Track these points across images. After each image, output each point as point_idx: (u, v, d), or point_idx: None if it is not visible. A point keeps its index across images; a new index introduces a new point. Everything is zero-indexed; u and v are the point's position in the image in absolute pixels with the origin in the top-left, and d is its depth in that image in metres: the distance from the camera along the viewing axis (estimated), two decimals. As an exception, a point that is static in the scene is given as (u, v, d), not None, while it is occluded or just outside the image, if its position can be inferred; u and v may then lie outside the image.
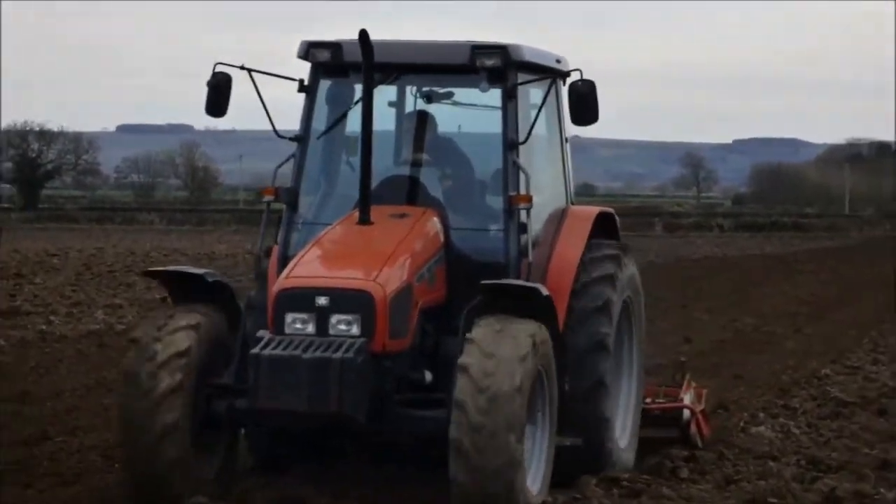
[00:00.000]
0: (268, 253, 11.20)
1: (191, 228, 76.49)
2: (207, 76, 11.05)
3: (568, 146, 12.08)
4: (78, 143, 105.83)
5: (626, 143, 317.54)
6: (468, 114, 11.45)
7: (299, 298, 9.98)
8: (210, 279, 10.56)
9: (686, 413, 12.92)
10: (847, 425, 14.53)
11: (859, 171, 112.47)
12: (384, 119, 11.36)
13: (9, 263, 37.48)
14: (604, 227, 11.90)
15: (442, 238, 10.86)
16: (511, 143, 10.90)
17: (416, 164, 11.31)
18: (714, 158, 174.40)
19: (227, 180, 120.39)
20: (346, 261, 10.41)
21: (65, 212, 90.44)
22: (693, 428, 12.94)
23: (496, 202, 11.07)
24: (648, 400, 12.86)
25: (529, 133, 10.99)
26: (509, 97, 10.94)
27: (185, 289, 10.63)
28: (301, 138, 11.27)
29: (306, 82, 11.31)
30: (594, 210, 11.87)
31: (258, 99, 11.08)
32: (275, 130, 11.17)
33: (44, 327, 22.52)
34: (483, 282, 10.22)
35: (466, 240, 11.00)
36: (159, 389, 10.00)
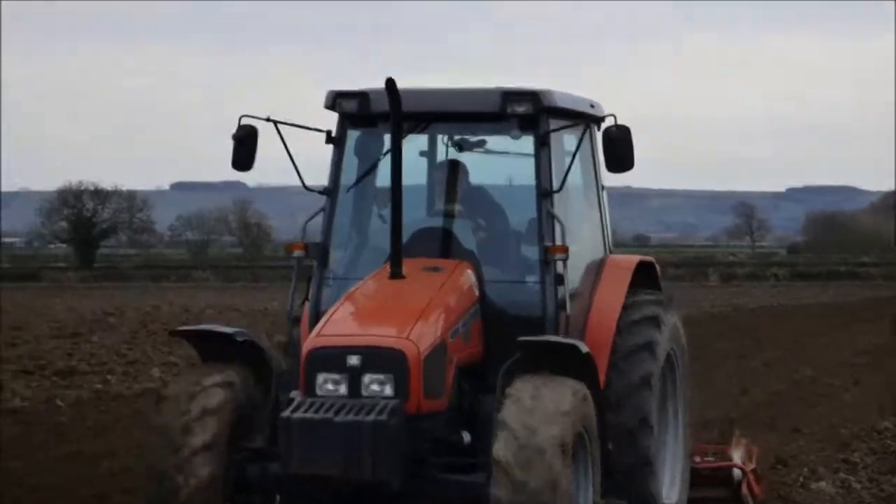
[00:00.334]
0: (299, 310, 10.87)
1: (245, 285, 76.86)
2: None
3: (605, 193, 11.75)
4: (132, 201, 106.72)
5: (676, 192, 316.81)
6: (502, 162, 11.13)
7: (330, 358, 9.63)
8: (240, 338, 10.25)
9: (737, 472, 12.55)
10: (908, 480, 14.34)
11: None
12: (416, 169, 11.08)
13: (66, 322, 37.71)
14: (645, 276, 11.52)
15: (477, 292, 10.54)
16: (545, 192, 10.60)
17: (448, 215, 11.00)
18: (767, 207, 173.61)
19: (280, 236, 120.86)
20: (377, 317, 10.07)
21: (120, 270, 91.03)
22: (745, 489, 12.56)
23: (531, 253, 10.71)
24: (697, 459, 12.49)
25: (564, 181, 10.67)
26: (542, 144, 10.65)
27: (214, 348, 10.31)
28: (330, 191, 11.01)
29: (334, 133, 11.04)
30: (634, 259, 11.53)
31: (285, 152, 10.77)
32: (303, 183, 10.89)
33: (100, 386, 22.64)
34: (520, 339, 9.86)
35: (502, 293, 10.66)
36: (192, 445, 9.68)
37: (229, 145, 10.86)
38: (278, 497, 10.38)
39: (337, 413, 9.41)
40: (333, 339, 9.74)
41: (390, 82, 10.02)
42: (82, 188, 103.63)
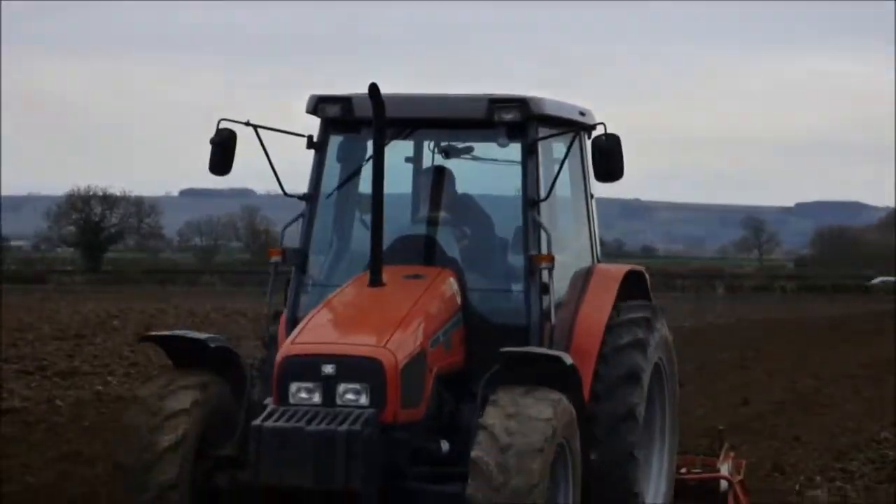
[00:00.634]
0: (276, 317, 10.65)
1: (252, 290, 76.76)
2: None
3: (594, 202, 11.49)
4: (140, 206, 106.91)
5: (685, 205, 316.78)
6: (488, 169, 10.88)
7: (304, 366, 9.38)
8: (213, 344, 9.98)
9: (723, 484, 12.36)
10: (904, 489, 14.32)
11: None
12: (402, 176, 10.88)
13: (69, 325, 37.74)
14: (634, 286, 11.23)
15: (459, 300, 10.28)
16: (531, 201, 10.36)
17: (431, 222, 10.75)
18: (776, 221, 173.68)
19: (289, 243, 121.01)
20: (354, 325, 9.82)
21: (127, 274, 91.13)
22: (731, 500, 12.38)
23: (517, 261, 10.47)
24: (684, 470, 12.30)
25: (551, 189, 10.45)
26: (529, 152, 10.40)
27: (187, 354, 10.09)
28: (310, 197, 10.78)
29: (315, 138, 10.80)
30: (623, 268, 11.22)
31: (265, 156, 10.56)
32: (282, 189, 10.69)
33: (100, 388, 22.62)
34: (502, 349, 9.63)
35: (485, 301, 10.42)
36: (160, 444, 9.47)
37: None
38: None
39: (309, 422, 9.18)
40: (308, 347, 9.51)
41: (373, 87, 9.79)
42: (90, 193, 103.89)
